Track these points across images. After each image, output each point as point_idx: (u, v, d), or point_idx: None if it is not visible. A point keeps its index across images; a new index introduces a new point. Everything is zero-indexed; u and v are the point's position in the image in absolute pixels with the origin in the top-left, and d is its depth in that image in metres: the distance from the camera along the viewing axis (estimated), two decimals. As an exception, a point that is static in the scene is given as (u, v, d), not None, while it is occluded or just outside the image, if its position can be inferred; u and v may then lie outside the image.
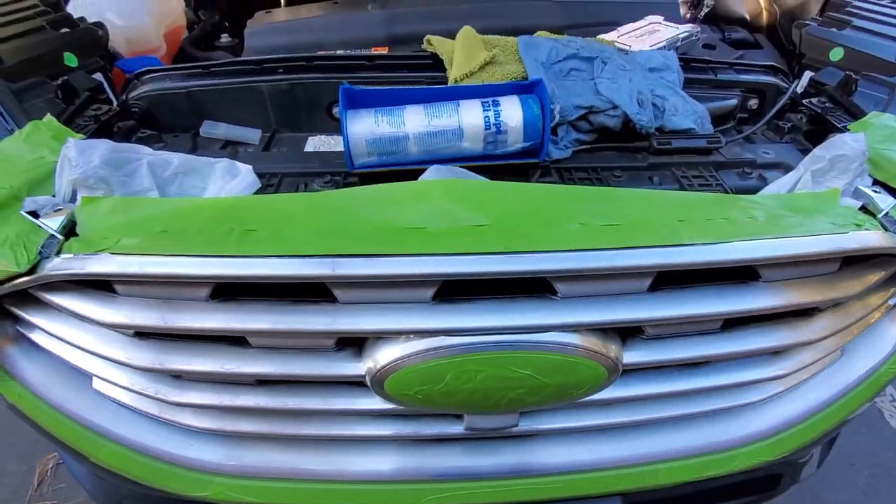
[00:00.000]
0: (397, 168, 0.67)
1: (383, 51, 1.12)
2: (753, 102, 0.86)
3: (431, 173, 0.64)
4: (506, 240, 0.54)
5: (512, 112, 0.66)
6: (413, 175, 0.68)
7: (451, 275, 0.52)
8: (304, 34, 1.16)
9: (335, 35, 1.15)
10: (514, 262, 0.52)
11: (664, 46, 0.97)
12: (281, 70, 0.78)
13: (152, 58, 0.98)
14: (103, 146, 0.61)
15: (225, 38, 1.27)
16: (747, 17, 1.38)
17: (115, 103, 0.81)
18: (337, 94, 0.78)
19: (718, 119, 0.83)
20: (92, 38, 0.89)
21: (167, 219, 0.58)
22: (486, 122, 0.66)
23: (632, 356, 0.61)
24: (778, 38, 1.25)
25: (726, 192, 0.69)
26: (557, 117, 0.68)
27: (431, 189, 0.59)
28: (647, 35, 1.02)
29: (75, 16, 1.06)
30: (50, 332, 0.62)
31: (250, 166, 0.67)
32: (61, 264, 0.54)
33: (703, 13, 1.36)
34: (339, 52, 0.80)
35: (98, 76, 0.87)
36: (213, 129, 0.77)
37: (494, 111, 0.66)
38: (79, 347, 0.62)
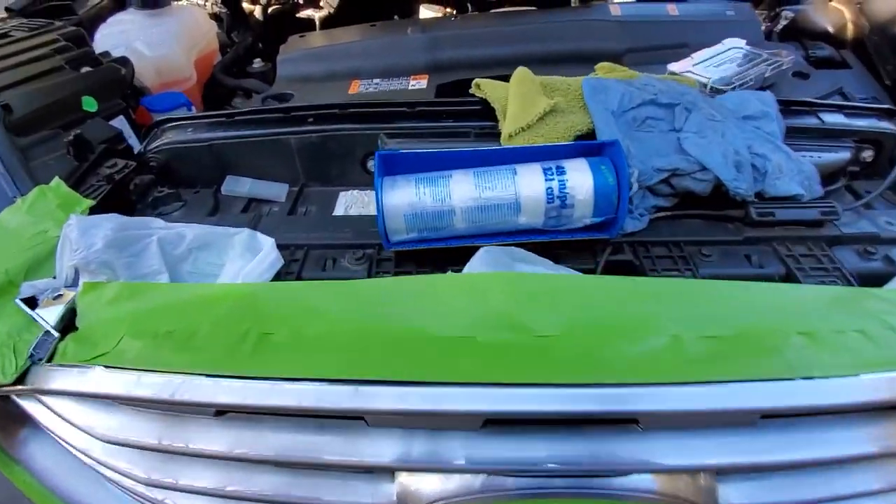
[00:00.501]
0: (441, 246, 0.57)
1: (423, 79, 1.02)
2: (868, 154, 0.71)
3: (483, 259, 0.53)
4: (577, 363, 0.43)
5: (580, 181, 0.54)
6: (458, 254, 0.58)
7: (506, 413, 0.42)
8: (340, 61, 1.07)
9: (373, 62, 1.06)
10: (587, 400, 0.41)
11: (751, 81, 0.82)
12: (311, 119, 0.70)
13: (177, 94, 0.91)
14: (108, 225, 0.54)
15: (258, 64, 1.20)
16: (830, 30, 1.20)
17: (135, 150, 0.75)
18: (372, 145, 0.69)
19: (826, 177, 0.68)
20: (115, 78, 0.83)
21: (175, 314, 0.50)
22: (548, 193, 0.54)
23: (730, 495, 0.48)
24: (866, 53, 1.07)
25: (848, 281, 0.55)
26: (635, 186, 0.55)
27: (485, 285, 0.49)
28: (728, 63, 0.88)
29: (103, 46, 1.02)
30: (48, 426, 0.56)
31: (272, 240, 0.58)
32: (52, 376, 0.47)
33: (780, 27, 1.19)
34: (375, 100, 0.69)
35: (119, 121, 0.81)
36: (236, 187, 0.69)
37: (559, 180, 0.55)
38: (74, 447, 0.55)
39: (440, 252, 0.59)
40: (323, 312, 0.49)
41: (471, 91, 0.70)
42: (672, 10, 1.06)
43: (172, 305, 0.51)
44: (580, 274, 0.53)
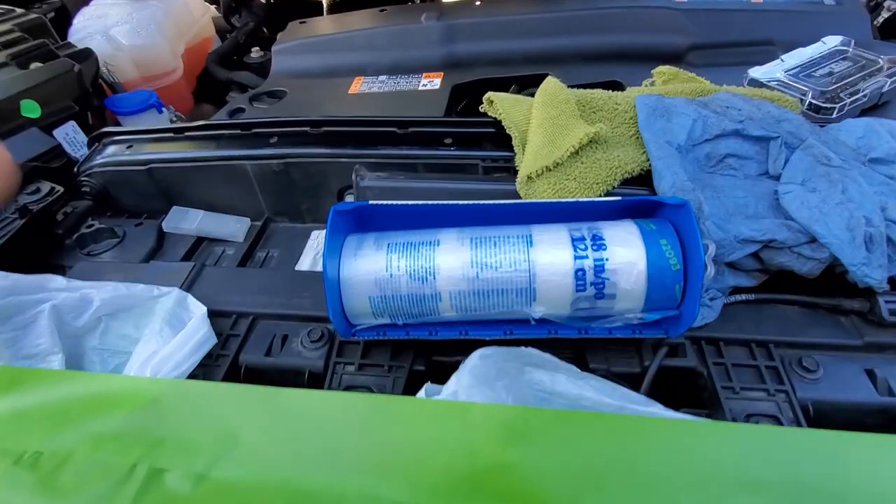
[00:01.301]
0: (421, 337, 0.41)
1: (437, 77, 0.85)
2: None
3: (476, 370, 0.37)
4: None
5: (627, 260, 0.37)
6: (444, 351, 0.42)
7: None
8: (342, 53, 0.91)
9: (379, 55, 0.90)
10: None
11: (864, 98, 0.61)
12: (274, 140, 0.54)
13: (145, 92, 0.78)
14: (-18, 288, 0.41)
15: (256, 53, 1.06)
16: None
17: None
18: (350, 176, 0.53)
19: None
20: (66, 75, 0.70)
21: (50, 424, 0.37)
22: (578, 277, 0.37)
23: None
24: None
25: None
26: (710, 269, 0.37)
27: (477, 420, 0.33)
28: (831, 71, 0.66)
29: (79, 34, 0.90)
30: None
31: (203, 311, 0.44)
32: None
33: (880, 20, 0.94)
34: (355, 117, 0.53)
35: (70, 127, 0.69)
36: (181, 223, 0.55)
37: (595, 259, 0.37)
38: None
39: (422, 346, 0.43)
40: (241, 443, 0.34)
41: (481, 108, 0.53)
42: (755, -5, 0.84)
43: (52, 409, 0.38)
44: (637, 408, 0.36)
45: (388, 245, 0.39)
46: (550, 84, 0.49)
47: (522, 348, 0.40)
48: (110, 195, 0.58)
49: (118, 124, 0.80)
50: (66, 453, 0.35)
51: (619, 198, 0.40)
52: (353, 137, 0.53)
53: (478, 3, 0.95)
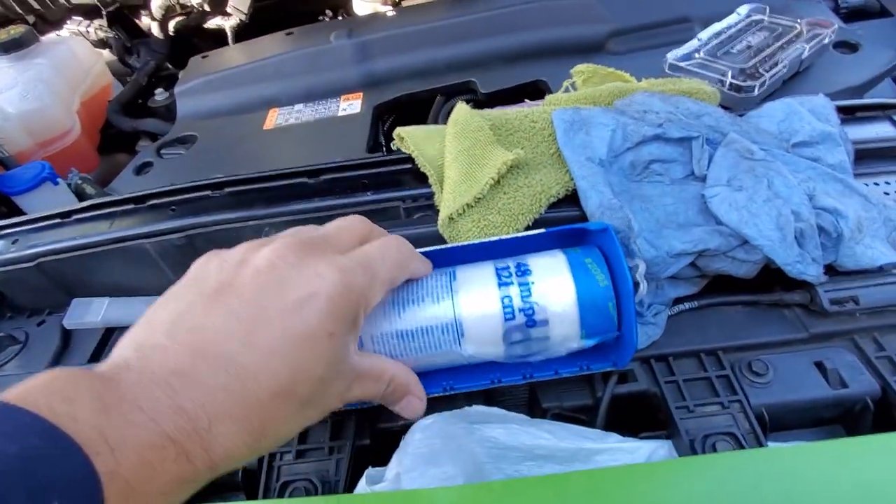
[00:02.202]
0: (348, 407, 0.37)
1: (356, 98, 0.81)
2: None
3: (418, 447, 0.34)
4: None
5: (552, 280, 0.35)
6: (388, 416, 0.39)
7: None
8: (252, 86, 0.86)
9: (292, 83, 0.84)
10: None
11: (784, 69, 0.61)
12: (173, 209, 0.49)
13: (37, 165, 0.70)
14: None
15: (160, 95, 0.98)
16: None
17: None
18: (259, 236, 0.49)
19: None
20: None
21: None
22: (505, 305, 0.34)
23: None
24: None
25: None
26: (643, 287, 0.35)
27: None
28: (749, 44, 0.66)
29: (-46, 106, 0.81)
30: None
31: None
32: None
33: None
34: (259, 173, 0.49)
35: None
36: (84, 317, 0.49)
37: (521, 282, 0.35)
38: None
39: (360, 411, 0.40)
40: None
41: (393, 145, 0.49)
42: (664, -28, 0.83)
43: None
44: (594, 444, 0.34)
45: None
46: (461, 112, 0.46)
47: (467, 408, 0.37)
48: (4, 296, 0.51)
49: (12, 206, 0.72)
50: None
51: (542, 230, 0.38)
52: (261, 194, 0.49)
53: (389, 14, 0.91)
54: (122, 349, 0.25)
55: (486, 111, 0.47)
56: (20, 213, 0.73)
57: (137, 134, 0.96)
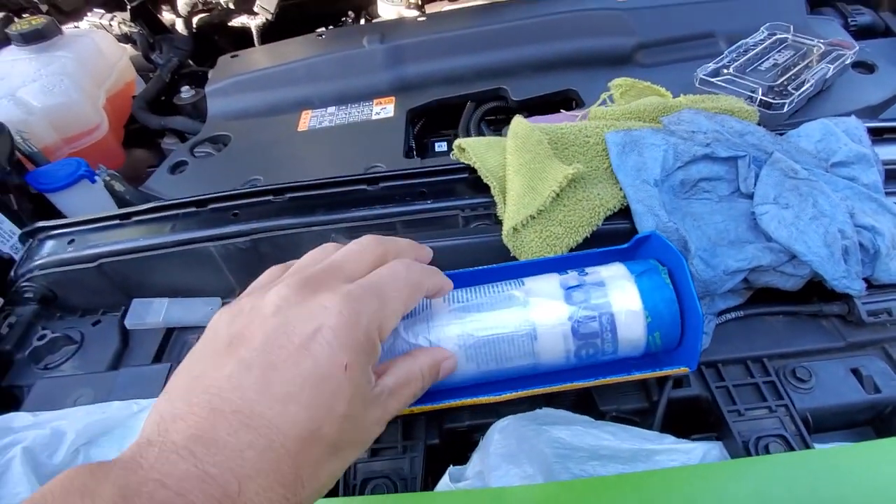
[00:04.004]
0: (425, 407, 0.39)
1: (389, 103, 0.82)
2: None
3: (498, 446, 0.36)
4: None
5: (619, 290, 0.37)
6: (458, 412, 0.42)
7: None
8: (284, 88, 0.86)
9: (324, 86, 0.85)
10: None
11: (810, 88, 0.64)
12: (236, 213, 0.51)
13: (73, 162, 0.71)
14: (-68, 453, 0.36)
15: (186, 93, 0.98)
16: None
17: (14, 258, 0.56)
18: (324, 241, 0.50)
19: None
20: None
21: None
22: (575, 321, 0.37)
23: None
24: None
25: None
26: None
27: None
28: (775, 62, 0.69)
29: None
30: None
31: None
32: None
33: None
34: (320, 179, 0.50)
35: (-10, 218, 0.61)
36: (145, 317, 0.50)
37: (587, 292, 0.37)
38: None
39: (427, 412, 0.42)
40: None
41: (452, 156, 0.51)
42: (690, -13, 0.85)
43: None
44: (654, 445, 0.36)
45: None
46: (520, 126, 0.48)
47: (537, 411, 0.40)
48: (57, 296, 0.52)
49: (45, 201, 0.72)
50: None
51: (595, 250, 0.41)
52: (321, 200, 0.50)
53: (420, 19, 0.92)
54: (146, 426, 0.24)
55: (542, 125, 0.49)
56: (54, 210, 0.73)
57: (162, 131, 0.96)
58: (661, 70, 0.77)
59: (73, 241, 0.52)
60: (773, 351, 0.43)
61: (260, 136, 0.81)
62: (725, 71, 0.68)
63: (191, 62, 1.11)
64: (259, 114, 0.85)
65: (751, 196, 0.45)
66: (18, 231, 0.62)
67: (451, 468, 0.37)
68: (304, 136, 0.80)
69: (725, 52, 0.71)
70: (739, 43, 0.73)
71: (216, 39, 1.13)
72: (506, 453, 0.36)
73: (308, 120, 0.82)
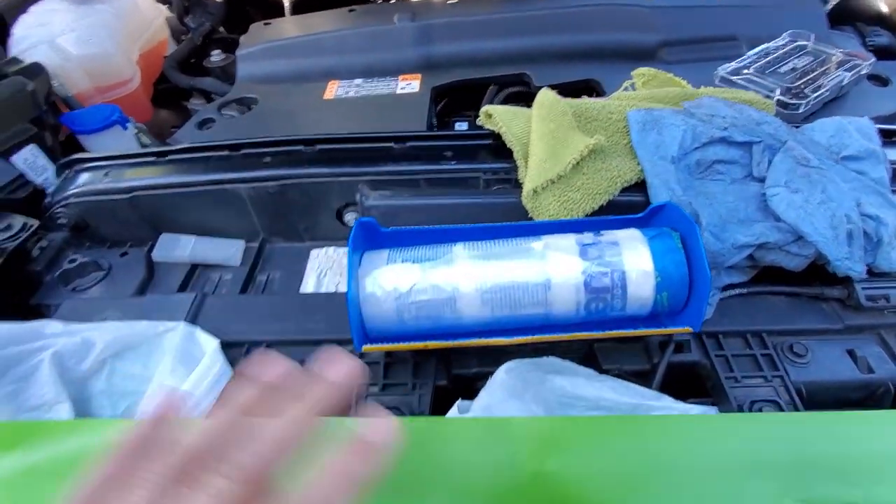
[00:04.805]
0: (442, 343, 0.41)
1: (415, 79, 0.85)
2: None
3: (504, 384, 0.38)
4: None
5: (632, 250, 0.39)
6: (469, 355, 0.44)
7: None
8: (313, 57, 0.88)
9: (352, 58, 0.88)
10: None
11: (826, 93, 0.66)
12: (268, 160, 0.53)
13: (107, 107, 0.73)
14: (-27, 346, 0.38)
15: (216, 56, 1.00)
16: (885, 10, 1.02)
17: (51, 188, 0.58)
18: (349, 193, 0.52)
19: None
20: (20, 96, 0.64)
21: (70, 479, 0.35)
22: (588, 275, 0.39)
23: None
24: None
25: None
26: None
27: (519, 433, 0.34)
28: (794, 66, 0.71)
29: (22, 43, 0.83)
30: None
31: (216, 344, 0.43)
32: None
33: (829, 6, 1.00)
34: (351, 134, 0.52)
35: (31, 151, 0.64)
36: (173, 251, 0.52)
37: (601, 250, 0.39)
38: None
39: (443, 352, 0.44)
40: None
41: (479, 121, 0.53)
42: (718, -8, 0.87)
43: (66, 462, 0.36)
44: (653, 402, 0.38)
45: (405, 258, 0.40)
46: (547, 96, 0.50)
47: (542, 358, 0.42)
48: (88, 225, 0.54)
49: (76, 142, 0.74)
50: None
51: (622, 216, 0.43)
52: (350, 154, 0.53)
53: (451, 1, 0.95)
54: None
55: (568, 99, 0.51)
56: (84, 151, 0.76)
57: (189, 91, 0.98)
58: (683, 67, 0.79)
59: (108, 173, 0.54)
60: (772, 327, 0.45)
61: (287, 100, 0.83)
62: (746, 71, 0.70)
63: (221, 28, 1.13)
64: (287, 80, 0.87)
65: (762, 180, 0.47)
66: (51, 166, 0.64)
67: (459, 401, 0.39)
68: (330, 104, 0.82)
69: (747, 54, 0.73)
70: (761, 47, 0.75)
71: (247, 9, 1.15)
72: (512, 391, 0.38)
73: (335, 89, 0.84)
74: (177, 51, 1.01)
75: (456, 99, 0.87)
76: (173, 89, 1.00)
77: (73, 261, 0.51)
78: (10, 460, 0.36)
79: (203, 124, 0.81)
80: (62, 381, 0.40)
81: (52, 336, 0.41)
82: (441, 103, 0.87)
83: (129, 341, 0.43)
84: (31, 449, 0.37)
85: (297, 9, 1.09)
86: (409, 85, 0.84)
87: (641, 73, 0.64)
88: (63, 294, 0.50)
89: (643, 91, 0.57)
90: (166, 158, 0.54)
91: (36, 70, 0.70)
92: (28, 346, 0.40)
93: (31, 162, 0.62)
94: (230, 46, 1.01)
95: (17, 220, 0.51)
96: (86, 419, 0.40)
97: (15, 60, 0.70)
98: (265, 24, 0.96)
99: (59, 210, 0.53)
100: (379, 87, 0.84)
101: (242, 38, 0.94)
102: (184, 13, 1.08)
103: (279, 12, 1.12)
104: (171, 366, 0.41)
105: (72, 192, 0.53)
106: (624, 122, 0.50)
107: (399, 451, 0.34)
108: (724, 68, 0.71)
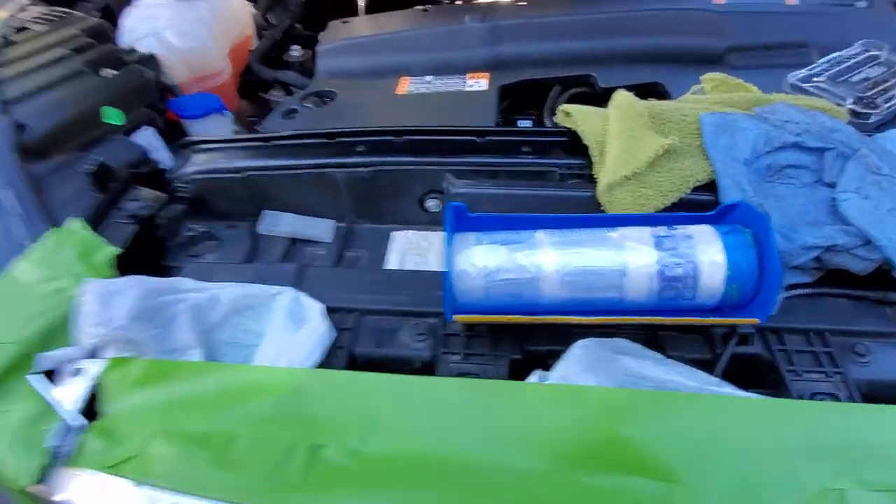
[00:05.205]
0: (521, 317, 0.45)
1: (483, 78, 0.89)
2: None
3: (579, 358, 0.43)
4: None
5: (704, 242, 0.42)
6: (542, 333, 0.48)
7: None
8: (387, 54, 0.94)
9: (424, 56, 0.93)
10: None
11: (902, 101, 0.66)
12: (360, 148, 0.59)
13: (210, 96, 0.81)
14: (132, 293, 0.46)
15: (296, 51, 1.08)
16: None
17: (164, 164, 0.66)
18: (432, 181, 0.58)
19: None
20: (140, 83, 0.73)
21: (211, 409, 0.42)
22: (663, 265, 0.43)
23: None
24: None
25: None
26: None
27: (591, 401, 0.38)
28: (866, 76, 0.71)
29: (130, 34, 0.92)
30: None
31: (320, 308, 0.49)
32: (75, 481, 0.40)
33: None
34: (436, 126, 0.57)
35: (146, 132, 0.72)
36: (275, 226, 0.59)
37: (676, 241, 0.43)
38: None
39: (518, 331, 0.48)
40: (383, 423, 0.40)
41: (556, 120, 0.57)
42: (789, -1, 0.88)
43: (208, 395, 0.43)
44: (717, 388, 0.41)
45: (493, 240, 0.45)
46: (624, 97, 0.54)
47: (614, 339, 0.45)
48: (205, 200, 0.62)
49: (179, 126, 0.83)
50: (230, 434, 0.40)
51: (694, 213, 0.46)
52: (435, 146, 0.58)
53: (520, 3, 0.98)
54: None
55: (645, 101, 0.55)
56: (186, 136, 0.84)
57: (268, 83, 1.06)
58: (751, 73, 0.80)
59: (225, 155, 0.61)
60: (835, 327, 0.47)
61: (362, 94, 0.89)
62: (816, 79, 0.71)
63: (298, 25, 1.21)
64: (362, 75, 0.93)
65: (832, 185, 0.49)
66: (163, 146, 0.73)
67: (538, 371, 0.43)
68: (402, 100, 0.87)
69: (818, 61, 0.74)
70: (833, 55, 0.75)
71: (324, 7, 1.22)
72: (587, 364, 0.42)
73: (407, 85, 0.90)
74: (261, 45, 1.09)
75: (519, 98, 0.91)
76: (253, 81, 1.08)
77: (191, 230, 0.59)
78: (157, 392, 0.44)
79: (287, 114, 0.88)
80: (197, 327, 0.47)
81: (188, 291, 0.48)
82: (504, 102, 0.91)
83: (247, 301, 0.49)
84: (174, 383, 0.44)
85: (370, 8, 1.15)
86: (478, 83, 0.88)
87: (711, 77, 0.66)
88: (183, 259, 0.58)
89: (715, 95, 0.59)
90: (271, 144, 0.61)
91: (150, 60, 0.78)
92: (170, 297, 0.47)
93: (149, 142, 0.71)
94: (307, 42, 1.09)
95: (147, 192, 0.59)
96: (214, 363, 0.47)
97: (133, 51, 0.79)
98: (343, 22, 1.03)
99: (180, 185, 0.60)
100: (448, 84, 0.89)
101: (321, 35, 1.01)
102: (267, 10, 1.16)
103: (351, 10, 1.19)
104: (283, 323, 0.48)
105: (193, 169, 0.60)
106: (696, 124, 0.53)
107: (482, 414, 0.39)
108: (795, 75, 0.72)
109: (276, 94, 1.06)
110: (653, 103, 0.54)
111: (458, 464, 0.37)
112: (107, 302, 0.45)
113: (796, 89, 0.70)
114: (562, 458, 0.37)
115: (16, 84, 0.65)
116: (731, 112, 0.53)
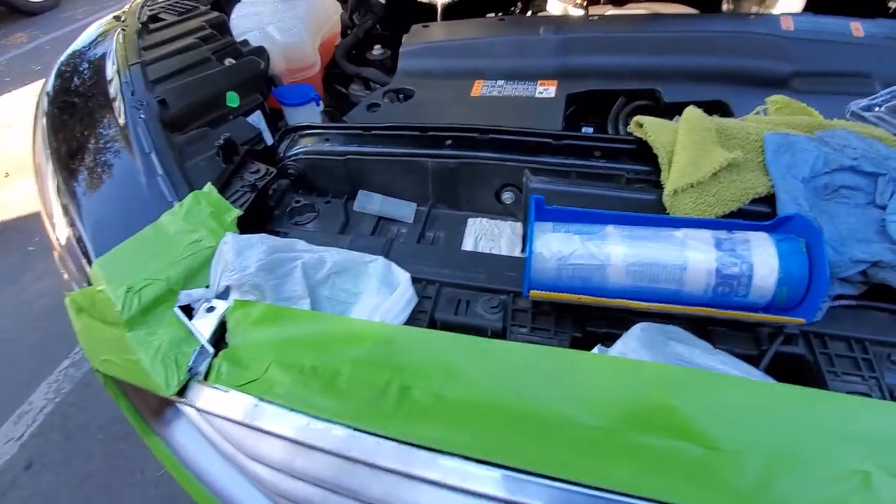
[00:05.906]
0: (587, 297, 0.52)
1: (552, 85, 0.96)
2: None
3: (639, 337, 0.49)
4: (753, 496, 0.38)
5: (759, 246, 0.48)
6: (600, 316, 0.54)
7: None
8: (464, 58, 1.02)
9: (498, 62, 1.00)
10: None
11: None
12: (449, 142, 0.66)
13: (308, 87, 0.91)
14: (261, 247, 0.55)
15: (377, 51, 1.18)
16: None
17: (268, 143, 0.76)
18: (509, 176, 0.65)
19: None
20: (255, 72, 0.83)
21: (318, 348, 0.51)
22: (720, 263, 0.48)
23: None
24: None
25: None
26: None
27: (646, 374, 0.45)
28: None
29: (238, 28, 1.04)
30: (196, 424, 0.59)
31: (408, 277, 0.57)
32: (208, 396, 0.50)
33: None
34: (517, 128, 0.64)
35: (256, 116, 0.82)
36: (367, 205, 0.68)
37: (734, 244, 0.48)
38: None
39: (581, 311, 0.55)
40: (462, 374, 0.47)
41: (629, 129, 0.63)
42: (857, 29, 0.90)
43: (315, 337, 0.52)
44: (760, 379, 0.47)
45: (568, 229, 0.51)
46: (693, 112, 0.59)
47: (669, 326, 0.51)
48: (307, 177, 0.71)
49: (278, 112, 0.93)
50: (334, 370, 0.49)
51: (752, 221, 0.51)
52: (515, 145, 0.65)
53: (592, 18, 1.04)
54: None
55: (712, 118, 0.60)
56: (283, 120, 0.95)
57: (351, 78, 1.16)
58: (813, 98, 0.83)
59: (328, 139, 0.70)
60: (876, 337, 0.52)
61: (439, 94, 0.98)
62: (877, 108, 0.74)
63: (378, 27, 1.31)
64: (440, 76, 1.01)
65: (884, 208, 0.53)
66: (267, 128, 0.83)
67: (599, 346, 0.50)
68: (476, 101, 0.95)
69: (880, 92, 0.77)
70: (894, 87, 0.77)
71: (403, 10, 1.32)
72: (644, 344, 0.48)
73: (481, 88, 0.97)
74: (346, 41, 1.19)
75: (583, 107, 0.97)
76: (336, 74, 1.18)
77: (297, 202, 0.68)
78: (273, 331, 0.53)
79: (371, 107, 0.97)
80: (306, 283, 0.56)
81: (301, 251, 0.57)
82: (570, 109, 0.97)
83: (346, 265, 0.58)
84: (288, 326, 0.53)
85: (446, 15, 1.24)
86: (547, 90, 0.95)
87: (775, 100, 0.70)
88: (287, 226, 0.67)
89: (778, 117, 0.64)
90: (370, 133, 0.69)
91: (261, 52, 0.89)
92: (287, 254, 0.56)
93: (258, 123, 0.81)
94: (387, 42, 1.18)
95: (261, 167, 0.69)
96: (323, 313, 0.56)
97: (246, 42, 0.90)
98: (424, 26, 1.11)
99: (289, 163, 0.70)
100: (519, 89, 0.96)
101: (405, 38, 1.10)
102: (353, 10, 1.27)
103: (429, 16, 1.28)
104: (377, 286, 0.56)
105: (301, 150, 0.70)
106: (760, 142, 0.58)
107: (550, 374, 0.46)
108: (857, 104, 0.75)
109: (355, 88, 1.15)
110: (720, 120, 0.60)
111: (527, 412, 0.44)
112: (242, 252, 0.54)
113: (856, 117, 0.73)
114: (618, 418, 0.43)
115: (158, 66, 0.76)
116: (794, 133, 0.58)
